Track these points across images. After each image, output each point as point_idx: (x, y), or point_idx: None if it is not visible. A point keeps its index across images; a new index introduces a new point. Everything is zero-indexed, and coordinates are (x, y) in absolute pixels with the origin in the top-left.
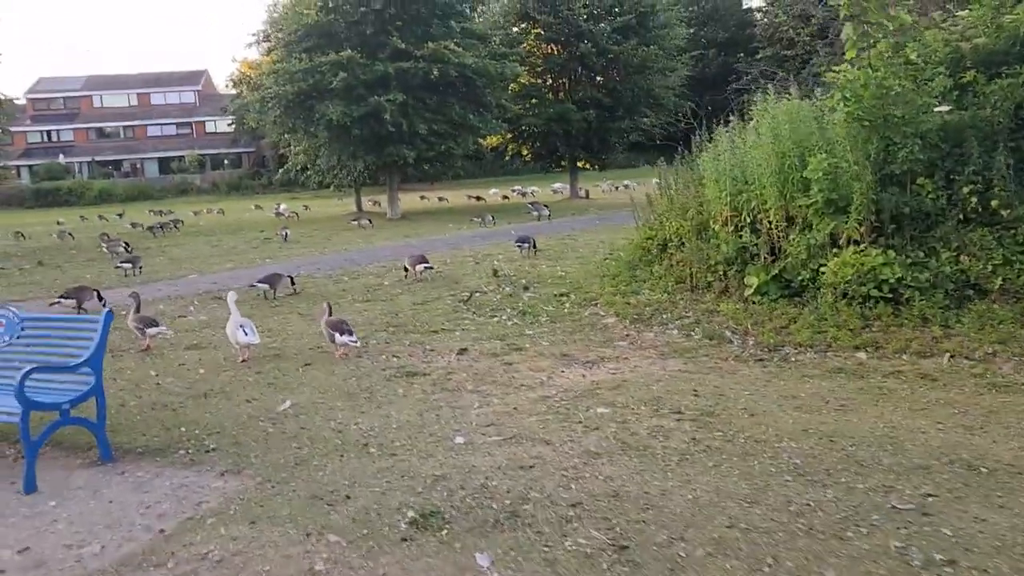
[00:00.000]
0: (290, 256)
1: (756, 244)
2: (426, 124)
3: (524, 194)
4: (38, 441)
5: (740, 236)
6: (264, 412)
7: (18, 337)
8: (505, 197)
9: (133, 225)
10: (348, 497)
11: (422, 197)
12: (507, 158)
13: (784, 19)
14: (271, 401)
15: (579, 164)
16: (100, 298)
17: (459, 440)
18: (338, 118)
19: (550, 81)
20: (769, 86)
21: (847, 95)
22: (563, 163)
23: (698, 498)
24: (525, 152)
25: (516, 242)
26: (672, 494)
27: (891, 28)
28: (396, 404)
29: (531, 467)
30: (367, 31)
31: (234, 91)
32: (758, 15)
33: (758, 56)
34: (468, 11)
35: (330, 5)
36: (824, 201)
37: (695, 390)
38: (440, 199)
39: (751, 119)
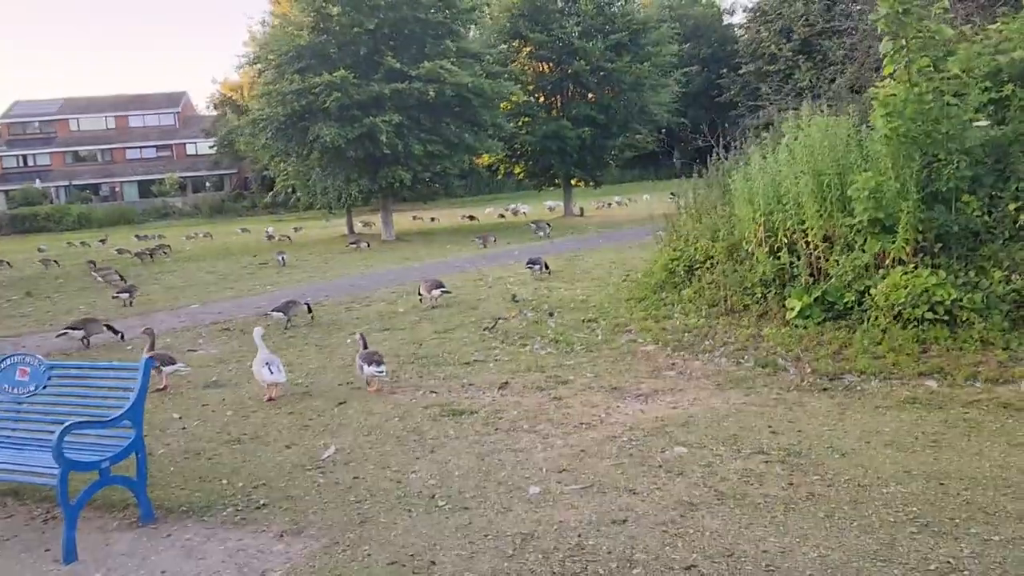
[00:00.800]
0: (291, 282)
1: (796, 265)
2: (422, 145)
3: (517, 212)
4: (77, 505)
5: (777, 257)
6: (308, 459)
7: (44, 387)
8: (501, 216)
9: (119, 251)
10: (433, 563)
11: (415, 218)
12: (500, 176)
13: (766, 35)
14: (312, 446)
15: (573, 182)
16: (115, 331)
17: (534, 490)
18: (332, 139)
19: (543, 99)
20: (804, 102)
21: (889, 111)
22: (557, 181)
23: (824, 556)
24: (519, 170)
25: (527, 263)
26: (794, 552)
27: (922, 41)
28: (451, 447)
29: (624, 521)
30: (360, 51)
31: (215, 112)
32: (739, 31)
33: (741, 71)
34: (462, 29)
35: (322, 26)
36: (869, 220)
37: (770, 426)
38: (432, 219)
39: (768, 135)
